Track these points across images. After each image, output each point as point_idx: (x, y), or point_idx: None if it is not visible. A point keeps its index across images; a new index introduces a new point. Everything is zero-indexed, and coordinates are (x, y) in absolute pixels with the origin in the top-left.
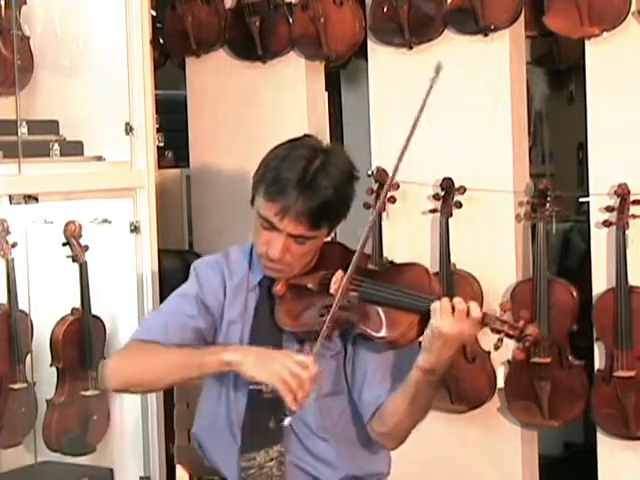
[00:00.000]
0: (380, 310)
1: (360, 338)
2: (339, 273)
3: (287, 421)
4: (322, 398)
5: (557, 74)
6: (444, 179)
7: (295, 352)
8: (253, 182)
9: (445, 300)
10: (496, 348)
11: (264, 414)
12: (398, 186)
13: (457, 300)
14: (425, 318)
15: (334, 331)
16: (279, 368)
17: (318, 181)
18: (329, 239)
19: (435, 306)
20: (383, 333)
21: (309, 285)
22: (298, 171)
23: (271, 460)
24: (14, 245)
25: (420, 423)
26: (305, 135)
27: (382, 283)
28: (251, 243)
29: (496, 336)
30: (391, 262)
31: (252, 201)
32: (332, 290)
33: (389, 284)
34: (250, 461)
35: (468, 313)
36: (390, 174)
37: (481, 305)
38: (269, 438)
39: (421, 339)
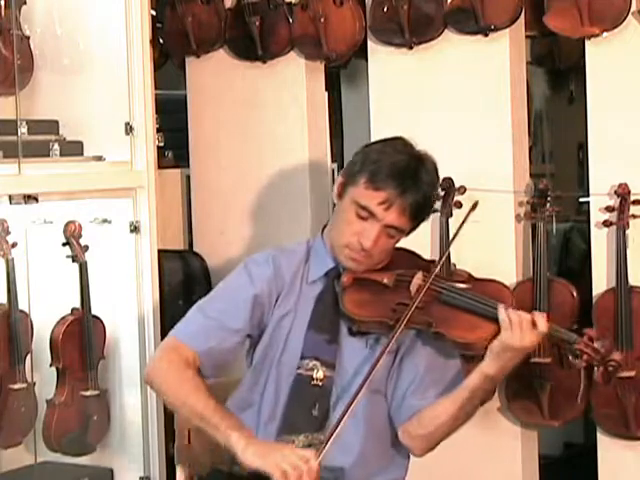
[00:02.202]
0: (460, 314)
1: (426, 337)
2: (421, 273)
3: None
4: (369, 392)
5: (557, 74)
6: (444, 179)
7: (297, 448)
8: (347, 173)
9: (512, 312)
10: (584, 367)
11: (309, 401)
12: None
13: (524, 314)
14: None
15: (408, 329)
16: (280, 458)
17: (421, 176)
18: None
19: (505, 319)
20: (461, 336)
21: (385, 281)
22: (402, 165)
23: (309, 446)
24: (14, 245)
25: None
26: (396, 137)
27: (463, 289)
28: (307, 238)
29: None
30: (469, 275)
31: (340, 194)
32: (412, 288)
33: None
34: (287, 443)
35: (535, 325)
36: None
37: None
38: (312, 424)
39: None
